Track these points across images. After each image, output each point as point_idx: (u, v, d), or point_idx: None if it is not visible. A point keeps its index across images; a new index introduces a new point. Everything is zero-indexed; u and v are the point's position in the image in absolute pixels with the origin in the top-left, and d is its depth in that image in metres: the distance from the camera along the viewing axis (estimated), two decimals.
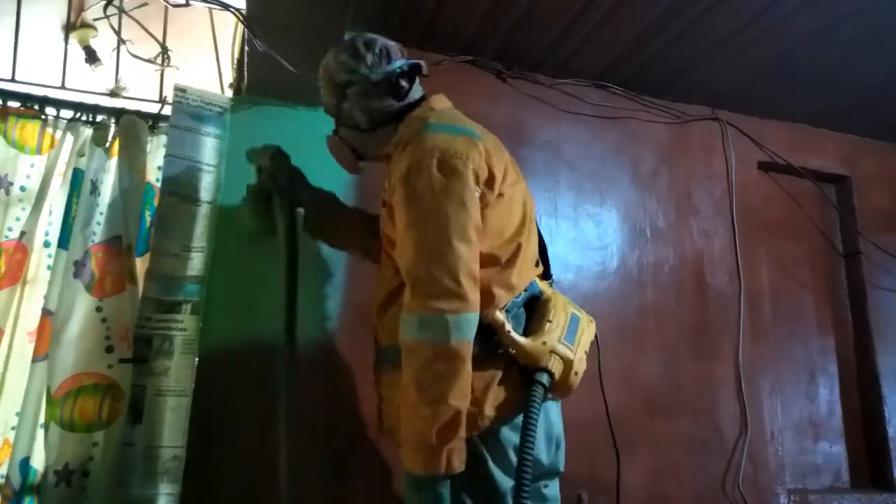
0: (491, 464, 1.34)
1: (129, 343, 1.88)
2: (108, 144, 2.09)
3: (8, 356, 1.92)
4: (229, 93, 2.32)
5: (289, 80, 2.01)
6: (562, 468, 1.55)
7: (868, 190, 3.12)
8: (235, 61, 2.31)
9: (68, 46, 2.57)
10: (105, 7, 2.33)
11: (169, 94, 2.25)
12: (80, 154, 2.05)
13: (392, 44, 1.61)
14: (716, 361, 2.62)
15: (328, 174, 2.26)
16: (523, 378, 1.38)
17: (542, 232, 2.50)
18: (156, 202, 2.04)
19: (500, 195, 1.45)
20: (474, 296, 1.30)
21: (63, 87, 2.30)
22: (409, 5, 2.23)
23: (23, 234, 1.97)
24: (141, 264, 1.98)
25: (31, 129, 2.06)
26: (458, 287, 1.27)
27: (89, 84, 2.65)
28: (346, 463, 2.08)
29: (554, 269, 2.45)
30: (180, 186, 2.00)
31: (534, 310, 1.47)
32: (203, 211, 2.03)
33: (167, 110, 2.20)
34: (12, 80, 2.22)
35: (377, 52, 1.57)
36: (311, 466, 2.01)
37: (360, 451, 2.09)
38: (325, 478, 2.04)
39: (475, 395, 1.30)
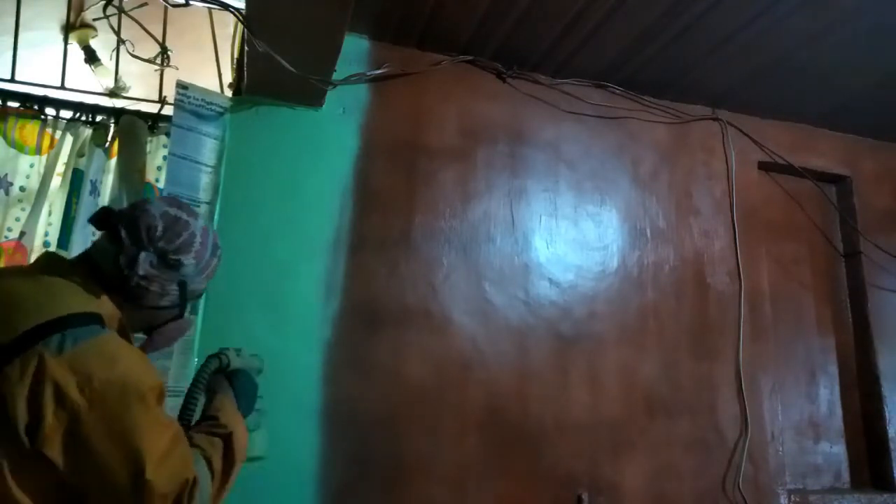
0: None
1: None
2: (107, 145, 2.09)
3: None
4: (229, 93, 2.32)
5: (289, 80, 2.01)
6: None
7: (868, 190, 3.12)
8: (235, 61, 2.31)
9: (68, 46, 2.57)
10: (105, 7, 2.34)
11: (169, 95, 2.25)
12: (80, 154, 2.05)
13: None
14: (716, 361, 2.62)
15: (326, 174, 2.28)
16: None
17: (543, 232, 2.54)
18: None
19: None
20: None
21: (63, 87, 2.30)
22: (409, 5, 2.23)
23: (22, 234, 1.97)
24: None
25: (30, 129, 2.06)
26: None
27: (89, 84, 2.66)
28: (347, 459, 2.08)
29: (554, 269, 2.49)
30: (181, 187, 2.00)
31: None
32: (202, 211, 2.03)
33: (167, 110, 2.20)
34: (12, 80, 2.22)
35: None
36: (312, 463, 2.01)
37: (360, 447, 2.09)
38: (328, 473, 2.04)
39: None
